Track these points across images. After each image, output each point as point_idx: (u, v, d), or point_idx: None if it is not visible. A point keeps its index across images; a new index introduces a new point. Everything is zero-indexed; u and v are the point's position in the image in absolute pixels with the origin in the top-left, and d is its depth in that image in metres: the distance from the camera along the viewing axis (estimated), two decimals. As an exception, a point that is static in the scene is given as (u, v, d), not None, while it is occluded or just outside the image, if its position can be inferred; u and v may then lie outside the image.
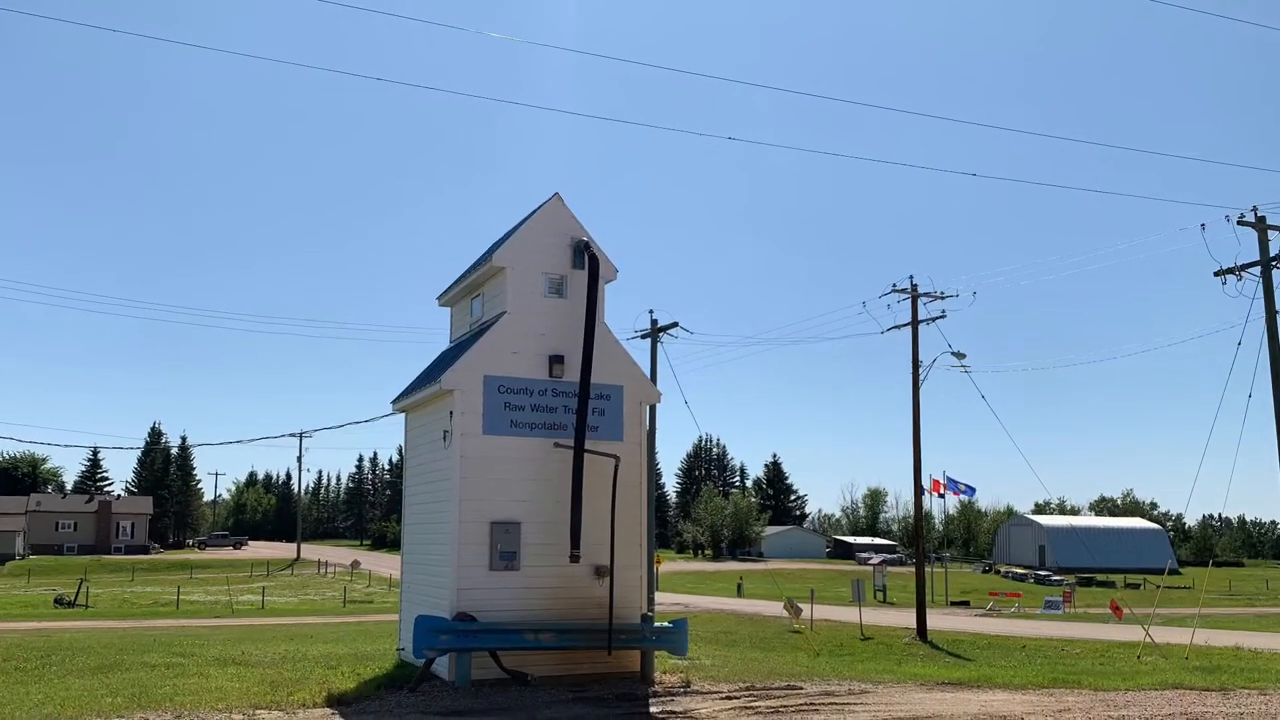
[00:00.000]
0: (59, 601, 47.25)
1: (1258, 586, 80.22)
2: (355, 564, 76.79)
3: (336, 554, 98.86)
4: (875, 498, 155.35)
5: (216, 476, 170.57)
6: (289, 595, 55.52)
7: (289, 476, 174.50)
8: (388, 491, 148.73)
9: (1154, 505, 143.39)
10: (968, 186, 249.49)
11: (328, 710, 12.87)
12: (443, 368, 16.46)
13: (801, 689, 15.40)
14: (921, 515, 34.08)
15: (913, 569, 35.01)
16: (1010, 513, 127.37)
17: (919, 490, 33.07)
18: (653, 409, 30.57)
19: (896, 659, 22.95)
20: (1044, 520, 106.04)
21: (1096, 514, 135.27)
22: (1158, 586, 72.08)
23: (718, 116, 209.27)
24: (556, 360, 16.23)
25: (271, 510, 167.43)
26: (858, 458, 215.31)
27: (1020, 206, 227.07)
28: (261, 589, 56.35)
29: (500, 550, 15.38)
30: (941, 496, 56.21)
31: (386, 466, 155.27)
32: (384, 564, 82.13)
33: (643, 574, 16.58)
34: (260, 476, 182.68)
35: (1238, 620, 40.72)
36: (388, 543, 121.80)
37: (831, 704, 13.77)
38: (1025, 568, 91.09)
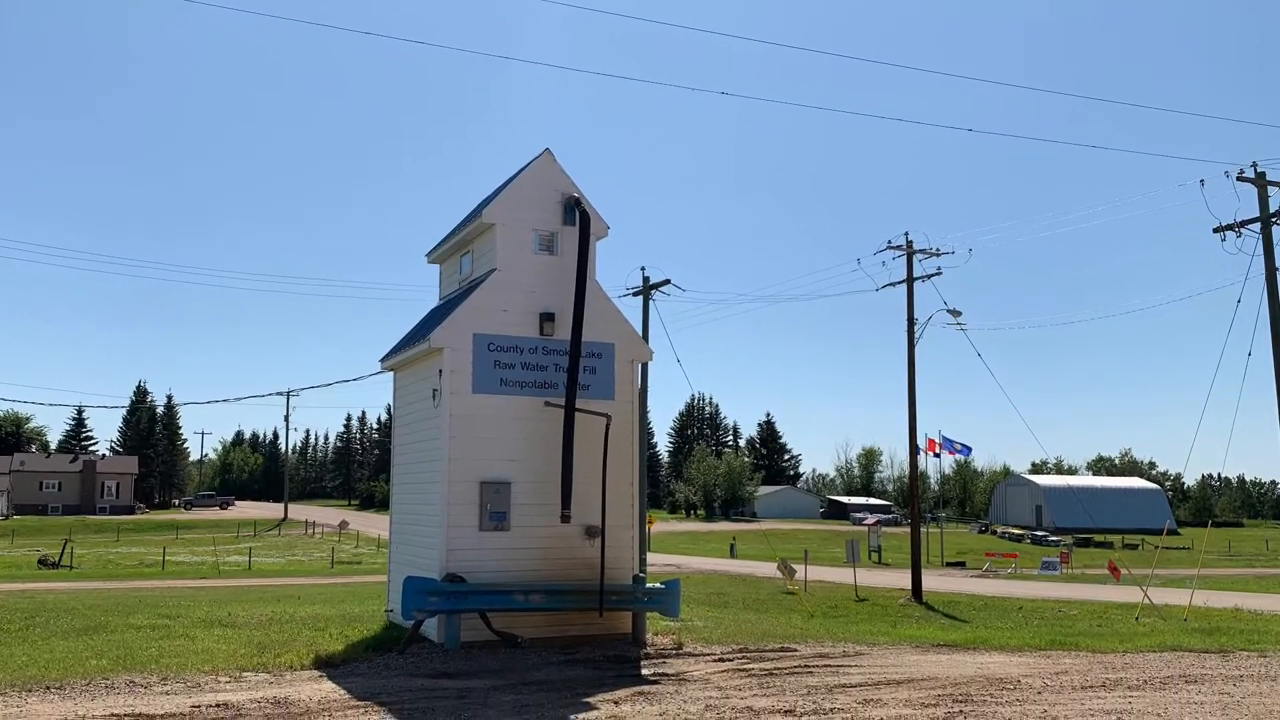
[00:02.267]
0: (43, 562, 46.69)
1: (1257, 547, 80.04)
2: (343, 524, 76.42)
3: (324, 514, 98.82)
4: (870, 457, 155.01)
5: (203, 436, 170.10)
6: (276, 556, 55.40)
7: (276, 436, 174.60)
8: (376, 451, 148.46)
9: (1152, 465, 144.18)
10: (964, 143, 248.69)
11: (316, 672, 12.65)
12: (432, 325, 16.18)
13: (795, 651, 15.24)
14: (917, 475, 33.86)
15: (908, 529, 34.90)
16: (1006, 472, 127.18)
17: (914, 449, 32.91)
18: (644, 367, 30.34)
19: (891, 621, 22.85)
20: (1041, 480, 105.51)
21: (1094, 474, 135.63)
22: (1156, 547, 72.56)
23: (711, 73, 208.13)
24: (547, 318, 15.99)
25: (258, 470, 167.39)
26: (852, 417, 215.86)
27: (1017, 163, 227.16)
28: (248, 550, 56.23)
29: (490, 510, 15.14)
30: (937, 456, 56.32)
31: (375, 426, 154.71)
32: (372, 524, 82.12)
33: (634, 534, 16.43)
34: (247, 436, 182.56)
35: (1237, 581, 40.73)
36: (376, 503, 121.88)
37: (826, 666, 13.58)
38: (1022, 528, 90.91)
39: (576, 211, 16.33)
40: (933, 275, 31.88)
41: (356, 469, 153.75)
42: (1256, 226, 24.96)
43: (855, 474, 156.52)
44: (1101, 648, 16.48)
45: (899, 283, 32.45)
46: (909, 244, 32.00)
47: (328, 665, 13.16)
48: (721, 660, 14.14)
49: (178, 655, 13.75)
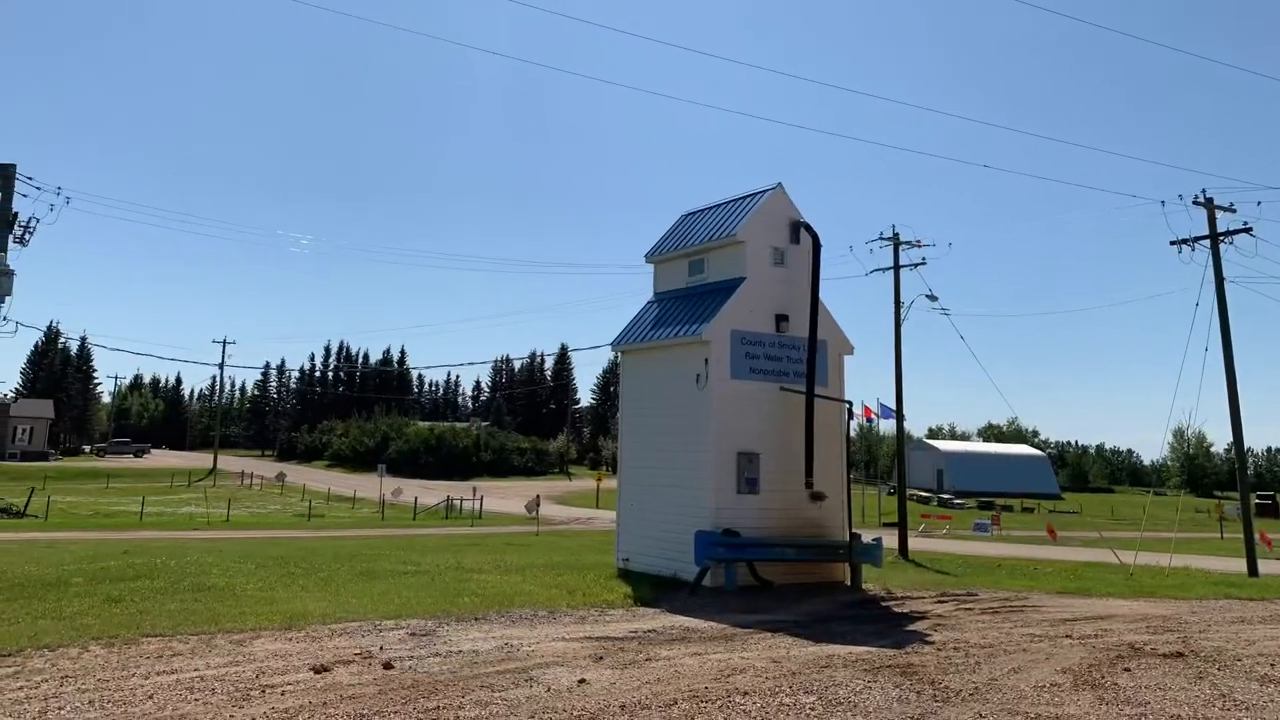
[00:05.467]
0: (4, 511, 44.52)
1: (1134, 512, 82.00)
2: (281, 476, 74.54)
3: (248, 464, 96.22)
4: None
5: (116, 380, 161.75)
6: (239, 509, 53.51)
7: (179, 381, 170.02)
8: (295, 402, 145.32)
9: (1035, 433, 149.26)
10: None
11: (640, 609, 14.61)
12: (687, 321, 19.09)
13: (977, 595, 17.64)
14: (903, 439, 35.41)
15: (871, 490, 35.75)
16: (908, 438, 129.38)
17: (900, 416, 34.26)
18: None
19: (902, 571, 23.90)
20: (941, 445, 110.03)
21: (984, 440, 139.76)
22: (1050, 510, 75.11)
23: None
24: (782, 318, 19.11)
25: (159, 416, 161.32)
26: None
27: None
28: (228, 502, 55.63)
29: (745, 476, 17.96)
30: (871, 422, 57.96)
31: (296, 375, 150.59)
32: (304, 476, 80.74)
33: (844, 500, 19.43)
34: (148, 380, 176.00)
35: (1157, 544, 42.16)
36: (298, 454, 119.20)
37: (1028, 605, 15.94)
38: (926, 490, 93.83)
39: (804, 232, 19.66)
40: (918, 264, 33.87)
41: (271, 419, 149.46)
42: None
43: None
44: (1183, 595, 18.58)
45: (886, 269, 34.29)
46: (895, 236, 34.17)
47: (642, 603, 15.02)
48: (940, 601, 16.56)
49: (498, 594, 15.51)
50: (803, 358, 19.13)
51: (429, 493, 63.26)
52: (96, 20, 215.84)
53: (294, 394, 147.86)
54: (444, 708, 8.09)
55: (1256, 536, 28.21)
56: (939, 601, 16.39)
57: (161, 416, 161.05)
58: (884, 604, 16.08)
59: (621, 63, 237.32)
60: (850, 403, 20.04)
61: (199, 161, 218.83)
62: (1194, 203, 29.16)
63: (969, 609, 15.32)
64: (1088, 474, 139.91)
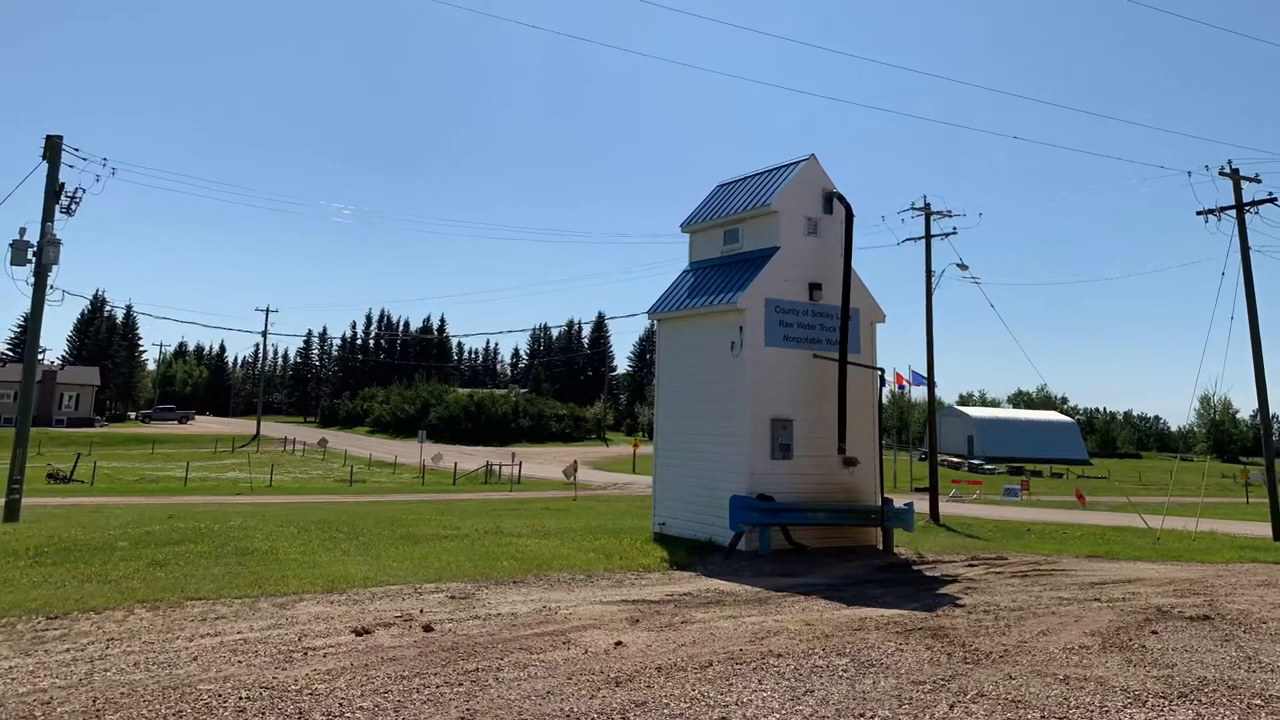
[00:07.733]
0: (52, 477, 44.99)
1: (1161, 477, 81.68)
2: (323, 442, 75.47)
3: (291, 430, 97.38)
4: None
5: (161, 348, 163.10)
6: (281, 474, 54.37)
7: (223, 349, 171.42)
8: (337, 369, 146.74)
9: (1064, 399, 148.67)
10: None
11: (673, 572, 14.90)
12: (722, 290, 19.24)
13: (1006, 559, 17.82)
14: (935, 408, 34.99)
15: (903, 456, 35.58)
16: (940, 404, 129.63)
17: (931, 385, 34.23)
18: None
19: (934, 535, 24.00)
20: (972, 411, 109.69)
21: (1014, 407, 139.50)
22: (1079, 475, 74.78)
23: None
24: (815, 287, 19.19)
25: (202, 383, 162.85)
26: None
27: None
28: (271, 467, 56.28)
29: (779, 442, 18.17)
30: (902, 389, 57.93)
31: (337, 343, 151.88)
32: (346, 442, 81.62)
33: (876, 465, 19.52)
34: (192, 347, 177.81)
35: (1174, 508, 41.92)
36: (339, 420, 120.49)
37: (1057, 568, 16.31)
38: (957, 456, 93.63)
39: (836, 202, 19.77)
40: (948, 234, 33.81)
41: (313, 385, 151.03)
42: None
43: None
44: (1213, 560, 18.74)
45: (919, 238, 34.20)
46: (927, 206, 34.02)
47: (677, 566, 15.31)
48: (970, 565, 16.73)
49: (536, 558, 15.82)
50: (836, 325, 19.25)
51: (468, 458, 63.97)
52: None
53: (336, 361, 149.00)
54: (483, 670, 8.25)
55: (1281, 501, 28.02)
56: (969, 565, 16.57)
57: (205, 384, 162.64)
58: (915, 568, 16.25)
59: (656, 35, 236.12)
60: (882, 370, 20.17)
61: (242, 133, 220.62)
62: (1220, 174, 29.57)
63: (999, 572, 15.47)
64: (1116, 440, 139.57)
